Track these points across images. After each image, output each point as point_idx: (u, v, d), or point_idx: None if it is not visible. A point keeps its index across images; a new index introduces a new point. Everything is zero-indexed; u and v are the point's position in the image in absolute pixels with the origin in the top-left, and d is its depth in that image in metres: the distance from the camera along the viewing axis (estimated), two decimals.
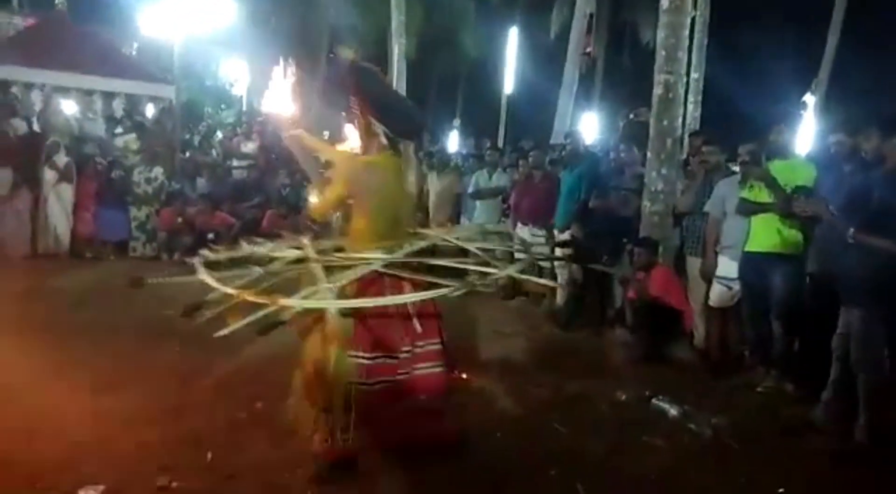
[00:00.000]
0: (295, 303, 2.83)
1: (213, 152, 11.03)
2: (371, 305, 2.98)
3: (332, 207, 3.35)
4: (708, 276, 5.12)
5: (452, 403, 3.36)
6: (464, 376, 3.70)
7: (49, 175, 8.50)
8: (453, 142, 15.10)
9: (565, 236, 6.51)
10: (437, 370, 3.19)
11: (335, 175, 3.25)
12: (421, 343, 3.16)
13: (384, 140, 3.17)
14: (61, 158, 8.63)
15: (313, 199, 3.43)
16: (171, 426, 3.65)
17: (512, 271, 3.21)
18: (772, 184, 4.49)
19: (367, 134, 3.20)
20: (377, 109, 3.14)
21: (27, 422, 3.55)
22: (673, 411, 4.06)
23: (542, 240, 6.87)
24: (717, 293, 5.05)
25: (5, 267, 7.63)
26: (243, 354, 4.70)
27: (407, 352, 3.14)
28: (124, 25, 16.12)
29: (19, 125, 9.26)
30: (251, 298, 2.81)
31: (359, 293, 3.03)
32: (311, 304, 2.87)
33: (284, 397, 3.92)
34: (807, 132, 9.56)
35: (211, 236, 8.75)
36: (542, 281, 5.27)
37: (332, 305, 2.86)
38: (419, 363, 3.16)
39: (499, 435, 3.68)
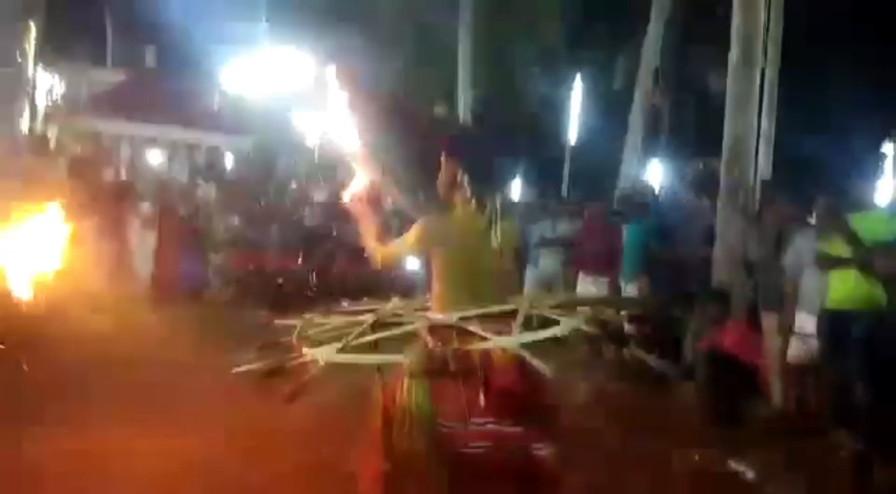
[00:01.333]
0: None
1: (287, 200, 11.47)
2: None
3: (394, 259, 3.31)
4: (786, 331, 4.97)
5: None
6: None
7: (135, 222, 9.01)
8: (516, 191, 15.20)
9: (632, 289, 6.43)
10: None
11: (411, 230, 3.04)
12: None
13: (468, 193, 2.94)
14: (146, 207, 9.15)
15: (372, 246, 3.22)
16: (242, 468, 3.73)
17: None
18: (851, 237, 4.36)
19: (452, 186, 3.00)
20: (470, 169, 2.98)
21: (100, 464, 3.65)
22: (750, 474, 3.90)
23: (604, 289, 6.79)
24: (795, 349, 4.87)
25: (90, 309, 8.04)
26: (316, 400, 4.77)
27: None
28: (208, 80, 17.12)
29: (108, 175, 9.90)
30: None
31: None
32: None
33: (352, 444, 3.98)
34: (887, 183, 9.24)
35: (280, 280, 9.06)
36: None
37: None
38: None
39: None
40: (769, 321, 5.27)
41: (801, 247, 4.90)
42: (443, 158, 3.04)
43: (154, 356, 6.00)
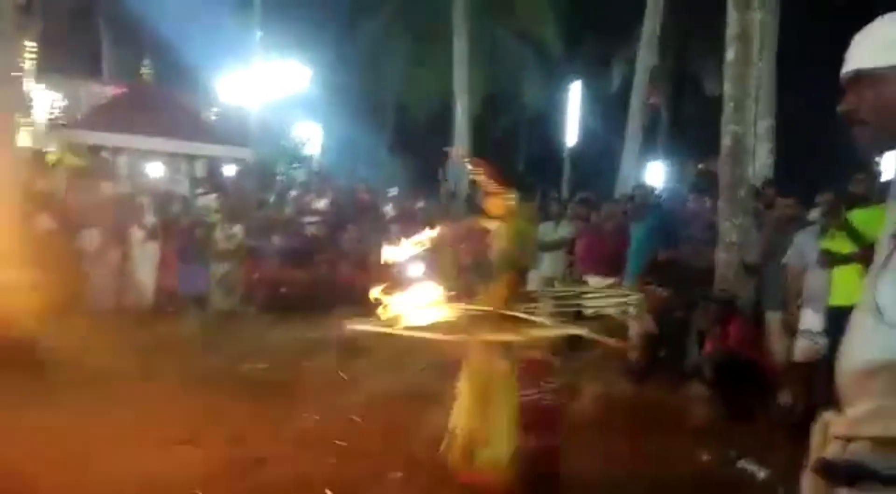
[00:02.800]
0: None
1: (287, 210, 11.47)
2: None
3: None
4: (791, 330, 4.95)
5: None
6: None
7: (137, 234, 9.01)
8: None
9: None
10: None
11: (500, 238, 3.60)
12: None
13: (513, 206, 3.57)
14: (148, 218, 9.15)
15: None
16: (249, 480, 3.71)
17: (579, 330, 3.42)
18: (854, 234, 4.36)
19: (499, 203, 3.59)
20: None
21: (108, 478, 3.62)
22: (761, 473, 3.88)
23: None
24: (801, 348, 4.86)
25: (92, 321, 8.03)
26: (322, 408, 4.79)
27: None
28: (205, 92, 17.15)
29: (108, 187, 9.90)
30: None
31: None
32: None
33: (358, 453, 3.98)
34: (888, 179, 9.23)
35: (283, 289, 9.05)
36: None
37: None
38: None
39: None
40: (773, 319, 5.26)
41: (804, 245, 4.89)
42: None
43: (154, 366, 5.99)
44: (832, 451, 1.47)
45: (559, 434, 3.60)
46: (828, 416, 1.53)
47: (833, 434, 1.49)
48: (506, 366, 3.44)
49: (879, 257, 1.49)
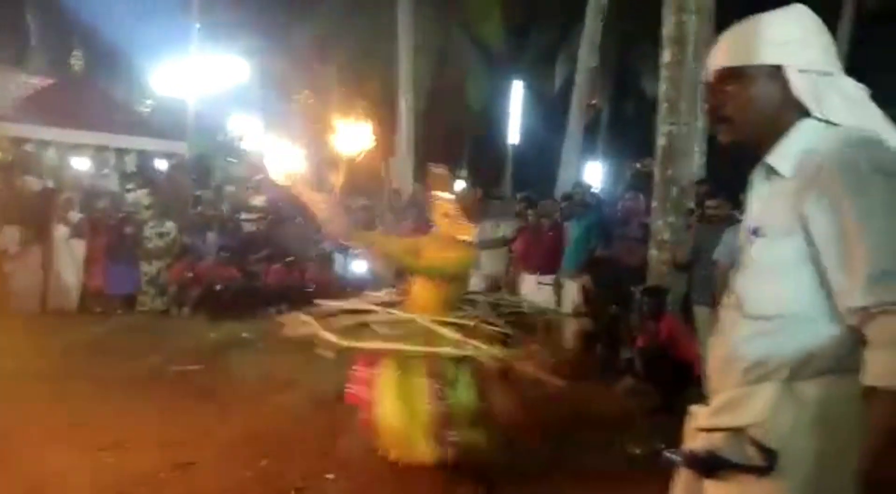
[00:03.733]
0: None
1: (224, 206, 11.18)
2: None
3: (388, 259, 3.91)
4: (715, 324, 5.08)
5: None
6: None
7: (61, 231, 8.62)
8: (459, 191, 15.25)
9: (573, 287, 6.51)
10: None
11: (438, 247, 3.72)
12: None
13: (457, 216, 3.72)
14: (74, 215, 8.76)
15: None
16: (178, 485, 3.60)
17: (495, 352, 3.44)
18: None
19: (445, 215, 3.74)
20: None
21: (32, 482, 3.51)
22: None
23: (550, 288, 6.88)
24: None
25: (15, 323, 7.66)
26: (254, 410, 4.69)
27: None
28: (139, 85, 16.58)
29: (32, 182, 9.44)
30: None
31: None
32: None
33: (291, 455, 3.90)
34: None
35: (218, 287, 8.81)
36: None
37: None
38: None
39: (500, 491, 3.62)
40: (702, 314, 5.40)
41: (733, 242, 5.01)
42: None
43: (80, 369, 5.75)
44: (695, 443, 1.52)
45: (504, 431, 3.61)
46: (694, 409, 1.58)
47: (696, 426, 1.54)
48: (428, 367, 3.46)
49: (741, 253, 1.55)
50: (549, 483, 3.77)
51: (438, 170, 3.94)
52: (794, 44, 1.47)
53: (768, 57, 1.47)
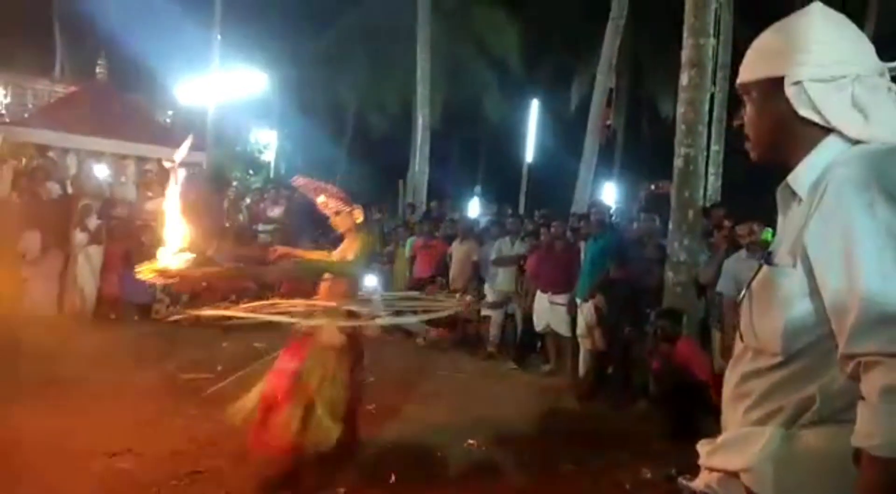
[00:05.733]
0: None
1: (241, 216, 11.25)
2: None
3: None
4: (729, 352, 5.04)
5: None
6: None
7: (80, 237, 8.71)
8: (474, 209, 15.28)
9: (588, 307, 6.48)
10: None
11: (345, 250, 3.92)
12: None
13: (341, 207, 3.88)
14: (92, 221, 8.85)
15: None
16: (190, 493, 3.61)
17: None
18: None
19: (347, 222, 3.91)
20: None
21: (43, 487, 3.53)
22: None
23: (563, 308, 6.85)
24: None
25: (31, 328, 7.72)
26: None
27: None
28: (161, 94, 16.79)
29: (53, 188, 9.56)
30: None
31: None
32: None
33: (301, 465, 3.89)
34: None
35: (233, 297, 8.83)
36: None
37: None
38: None
39: None
40: (718, 338, 5.37)
41: (734, 270, 5.01)
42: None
43: (93, 375, 5.78)
44: (698, 480, 1.47)
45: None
46: (701, 443, 1.51)
47: (701, 463, 1.48)
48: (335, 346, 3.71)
49: (750, 282, 1.43)
50: None
51: (299, 181, 4.07)
52: (796, 52, 1.29)
53: (763, 70, 1.34)
